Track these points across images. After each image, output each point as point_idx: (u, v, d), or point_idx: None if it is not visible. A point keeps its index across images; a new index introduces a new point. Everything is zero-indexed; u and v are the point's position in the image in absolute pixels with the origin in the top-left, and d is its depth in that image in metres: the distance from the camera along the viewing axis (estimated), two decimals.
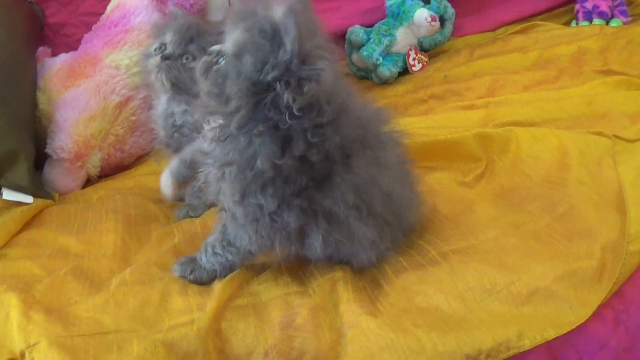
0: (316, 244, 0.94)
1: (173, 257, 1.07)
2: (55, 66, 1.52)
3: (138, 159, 1.56)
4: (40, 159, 1.43)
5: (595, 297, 0.96)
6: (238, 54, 0.83)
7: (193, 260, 1.02)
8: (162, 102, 1.25)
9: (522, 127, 1.28)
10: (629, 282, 1.02)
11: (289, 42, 0.79)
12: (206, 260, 1.00)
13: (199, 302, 0.95)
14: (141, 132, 1.53)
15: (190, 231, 1.18)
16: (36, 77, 1.50)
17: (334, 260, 1.02)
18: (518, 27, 1.86)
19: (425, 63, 1.79)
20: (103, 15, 1.58)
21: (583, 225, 1.06)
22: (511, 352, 0.89)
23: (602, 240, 1.02)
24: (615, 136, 1.25)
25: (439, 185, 1.22)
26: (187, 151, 1.09)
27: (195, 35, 1.20)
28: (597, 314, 0.96)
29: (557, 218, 1.09)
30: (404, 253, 1.06)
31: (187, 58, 1.19)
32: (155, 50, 1.21)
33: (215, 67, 0.85)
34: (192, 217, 1.26)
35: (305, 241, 0.95)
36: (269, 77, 0.81)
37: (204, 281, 1.01)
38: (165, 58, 1.18)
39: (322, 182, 0.90)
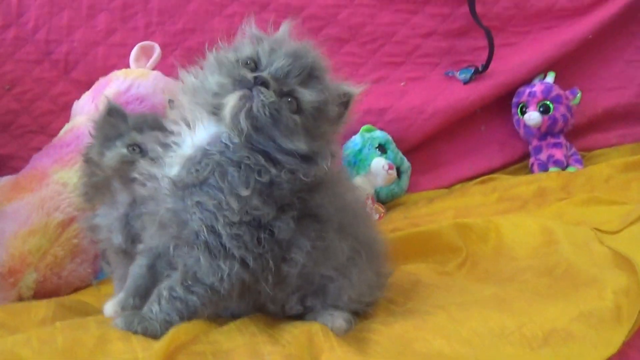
0: (299, 257, 0.85)
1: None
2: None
3: (75, 291, 1.37)
4: None
5: (617, 336, 0.83)
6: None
7: (138, 314, 0.84)
8: (120, 206, 1.13)
9: (500, 216, 1.21)
10: None
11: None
12: (159, 309, 0.83)
13: (144, 346, 0.76)
14: (82, 260, 1.37)
15: None
16: None
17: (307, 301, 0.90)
18: (474, 182, 1.88)
19: (382, 214, 1.74)
20: (55, 138, 1.52)
21: (587, 277, 0.96)
22: None
23: (611, 286, 0.90)
24: (596, 229, 1.18)
25: (417, 272, 1.10)
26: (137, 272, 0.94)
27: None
28: (624, 354, 0.83)
29: (557, 278, 0.99)
30: (390, 311, 0.92)
31: None
32: (130, 151, 1.10)
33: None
34: None
35: (289, 256, 0.86)
36: None
37: (156, 333, 0.81)
38: None
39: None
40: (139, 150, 1.11)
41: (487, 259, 1.13)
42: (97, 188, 1.16)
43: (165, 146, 0.89)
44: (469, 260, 1.15)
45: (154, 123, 1.13)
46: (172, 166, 0.86)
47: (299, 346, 0.79)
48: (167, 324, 0.82)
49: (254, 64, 0.85)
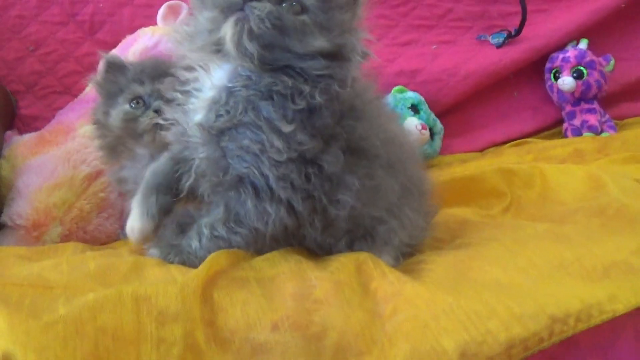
0: (348, 197, 0.80)
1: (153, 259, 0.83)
2: (24, 138, 1.40)
3: (102, 246, 1.34)
4: None
5: None
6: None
7: (176, 246, 0.81)
8: (142, 158, 1.10)
9: (545, 163, 1.17)
10: None
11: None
12: (199, 246, 0.80)
13: (182, 271, 0.73)
14: (109, 214, 1.34)
15: None
16: (1, 146, 1.37)
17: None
18: (508, 145, 1.83)
19: None
20: (81, 93, 1.50)
21: None
22: (605, 317, 0.68)
23: None
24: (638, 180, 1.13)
25: (462, 214, 1.06)
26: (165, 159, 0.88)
27: (167, 74, 1.02)
28: None
29: (609, 218, 0.94)
30: (439, 248, 0.88)
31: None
32: (132, 107, 1.07)
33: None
34: None
35: (337, 197, 0.80)
36: None
37: (194, 265, 0.77)
38: (161, 112, 1.03)
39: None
40: (142, 103, 1.07)
41: (533, 204, 1.09)
42: (112, 147, 1.13)
43: (184, 93, 0.83)
44: (513, 205, 1.11)
45: (154, 70, 1.08)
46: (197, 112, 0.80)
47: (347, 273, 0.75)
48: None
49: None
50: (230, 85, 0.79)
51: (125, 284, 0.68)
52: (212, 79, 0.80)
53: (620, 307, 0.69)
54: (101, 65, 1.12)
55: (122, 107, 1.07)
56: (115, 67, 1.11)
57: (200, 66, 0.81)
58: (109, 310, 0.61)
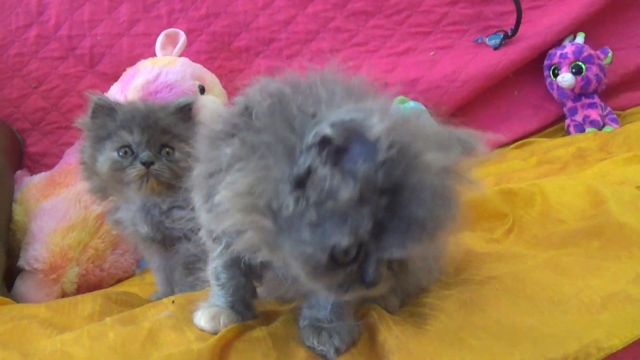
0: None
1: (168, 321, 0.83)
2: (34, 180, 1.45)
3: (118, 282, 1.38)
4: (11, 275, 1.28)
5: None
6: None
7: (319, 329, 0.75)
8: (136, 199, 1.09)
9: (545, 179, 1.19)
10: None
11: None
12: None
13: (198, 335, 0.75)
14: (123, 250, 1.39)
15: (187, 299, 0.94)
16: (13, 189, 1.41)
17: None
18: (511, 146, 1.85)
19: None
20: None
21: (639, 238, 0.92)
22: (602, 354, 0.71)
23: None
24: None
25: (465, 241, 1.08)
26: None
27: (157, 123, 1.06)
28: None
29: (608, 240, 0.96)
30: (443, 284, 0.90)
31: (167, 152, 1.06)
32: (120, 155, 1.04)
33: None
34: None
35: None
36: None
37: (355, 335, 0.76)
38: (149, 164, 1.04)
39: None
40: (131, 152, 1.04)
41: (535, 224, 1.10)
42: (102, 189, 1.11)
43: None
44: (516, 225, 1.13)
45: (145, 120, 1.05)
46: None
47: None
48: None
49: None
50: None
51: (144, 354, 0.71)
52: None
53: (617, 342, 0.72)
54: (89, 107, 1.08)
55: (110, 155, 1.04)
56: (104, 110, 1.07)
57: None
58: None
